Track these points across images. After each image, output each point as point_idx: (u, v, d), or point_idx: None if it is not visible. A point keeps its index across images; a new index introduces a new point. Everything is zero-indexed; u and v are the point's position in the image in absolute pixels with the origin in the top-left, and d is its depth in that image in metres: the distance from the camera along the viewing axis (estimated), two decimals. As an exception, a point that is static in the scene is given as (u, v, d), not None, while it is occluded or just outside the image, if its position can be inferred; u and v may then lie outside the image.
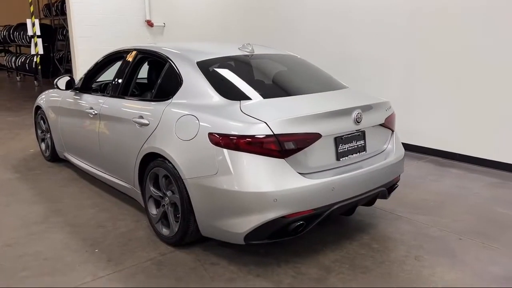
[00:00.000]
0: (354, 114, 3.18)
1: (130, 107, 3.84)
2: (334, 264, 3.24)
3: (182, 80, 3.47)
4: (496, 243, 3.55)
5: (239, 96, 3.25)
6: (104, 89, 4.78)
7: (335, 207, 3.08)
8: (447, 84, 5.74)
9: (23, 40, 14.17)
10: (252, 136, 2.84)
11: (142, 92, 4.46)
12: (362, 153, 3.35)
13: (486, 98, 5.37)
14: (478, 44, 5.35)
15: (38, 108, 5.77)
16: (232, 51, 3.92)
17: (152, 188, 3.56)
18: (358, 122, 3.20)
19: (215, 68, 3.59)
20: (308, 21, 7.33)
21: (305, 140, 2.95)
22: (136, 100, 3.90)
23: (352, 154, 3.27)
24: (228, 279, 3.05)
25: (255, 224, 2.88)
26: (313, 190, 2.95)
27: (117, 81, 4.23)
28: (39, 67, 9.83)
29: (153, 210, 3.59)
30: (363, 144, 3.36)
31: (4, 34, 15.50)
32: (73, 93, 4.85)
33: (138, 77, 4.26)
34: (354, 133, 3.27)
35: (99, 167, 4.45)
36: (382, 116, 3.48)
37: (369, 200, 3.51)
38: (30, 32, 9.24)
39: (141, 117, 3.61)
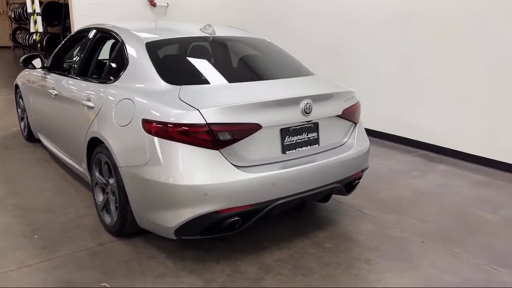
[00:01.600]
0: (302, 104, 2.93)
1: (81, 88, 3.69)
2: (276, 264, 3.03)
3: (128, 61, 3.28)
4: (460, 248, 3.28)
5: (182, 80, 3.04)
6: (69, 69, 4.64)
7: (276, 203, 2.86)
8: (441, 77, 5.40)
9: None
10: (183, 125, 2.64)
11: (101, 73, 4.28)
12: (314, 146, 3.11)
13: (480, 93, 5.03)
14: (473, 39, 4.98)
15: (17, 86, 5.67)
16: (193, 32, 3.69)
17: (97, 174, 3.41)
18: (307, 113, 2.96)
19: (166, 49, 3.38)
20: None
21: (242, 131, 2.73)
22: (87, 82, 3.73)
23: (301, 147, 3.04)
24: (159, 275, 2.89)
25: (185, 219, 2.70)
26: (250, 185, 2.74)
27: (76, 61, 4.07)
28: (38, 45, 9.77)
29: (99, 197, 3.45)
30: (315, 137, 3.12)
31: (20, 11, 15.55)
32: (42, 72, 4.72)
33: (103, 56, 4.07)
34: (304, 124, 3.03)
35: (60, 149, 4.34)
36: (340, 107, 3.22)
37: (322, 196, 3.26)
38: (29, 9, 9.17)
39: (89, 99, 3.45)
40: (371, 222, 3.69)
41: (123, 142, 2.95)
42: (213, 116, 2.66)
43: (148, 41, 3.36)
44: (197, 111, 2.65)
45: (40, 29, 9.40)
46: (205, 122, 2.63)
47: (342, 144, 3.34)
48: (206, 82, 3.11)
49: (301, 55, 7.12)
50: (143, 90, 3.03)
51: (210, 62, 3.56)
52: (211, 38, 3.69)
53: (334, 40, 6.68)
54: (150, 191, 2.79)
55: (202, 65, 3.43)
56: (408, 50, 5.71)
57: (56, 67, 4.59)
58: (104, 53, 4.01)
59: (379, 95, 6.17)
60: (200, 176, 2.63)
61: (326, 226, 3.59)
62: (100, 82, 3.52)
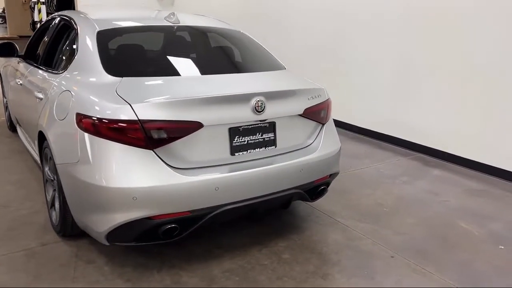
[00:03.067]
0: (253, 102, 2.65)
1: (37, 79, 3.49)
2: (222, 275, 2.78)
3: (77, 51, 3.05)
4: (433, 266, 2.96)
5: (126, 72, 2.79)
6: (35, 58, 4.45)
7: (220, 210, 2.60)
8: (441, 78, 5.02)
9: (50, 8, 14.18)
10: (113, 121, 2.40)
11: (55, 62, 4.07)
12: (270, 148, 2.83)
13: (482, 97, 4.64)
14: (473, 40, 4.58)
15: (1, 75, 5.55)
16: (156, 20, 3.44)
17: (46, 170, 3.20)
18: (259, 112, 2.68)
19: (120, 39, 3.14)
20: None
21: (180, 129, 2.47)
22: (43, 71, 3.53)
23: (254, 149, 2.76)
24: (92, 282, 2.68)
25: (115, 224, 2.47)
26: (189, 189, 2.48)
27: (40, 49, 3.87)
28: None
29: (49, 194, 3.25)
30: (272, 138, 2.83)
31: (40, 2, 15.62)
32: (16, 61, 4.56)
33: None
34: (257, 124, 2.75)
35: (26, 140, 4.18)
36: (301, 106, 2.93)
37: (280, 203, 2.98)
38: (33, -2, 9.10)
39: (39, 90, 3.25)
40: (341, 232, 3.39)
41: (59, 138, 2.74)
42: (146, 112, 2.41)
43: (100, 29, 3.13)
44: (129, 106, 2.40)
45: (44, 18, 9.31)
46: (136, 119, 2.39)
47: (306, 147, 3.05)
48: (151, 74, 2.85)
49: (298, 53, 6.89)
50: (84, 81, 2.81)
51: (164, 53, 3.31)
52: (175, 27, 3.43)
53: (332, 39, 6.36)
54: (81, 192, 2.57)
55: (154, 56, 3.18)
56: (407, 49, 5.35)
57: (28, 55, 4.42)
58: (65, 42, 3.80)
59: (377, 94, 5.82)
60: (130, 178, 2.39)
61: (290, 234, 3.31)
62: (51, 72, 3.31)
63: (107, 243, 2.60)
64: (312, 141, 3.08)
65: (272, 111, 2.77)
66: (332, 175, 3.26)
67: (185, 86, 2.75)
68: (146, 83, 2.72)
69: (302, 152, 2.99)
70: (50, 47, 3.72)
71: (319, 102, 3.05)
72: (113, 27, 3.21)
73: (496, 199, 4.11)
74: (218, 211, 2.60)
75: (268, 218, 3.51)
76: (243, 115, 2.66)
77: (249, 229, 3.34)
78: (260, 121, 2.76)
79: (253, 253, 3.04)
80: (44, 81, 3.30)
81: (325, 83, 6.54)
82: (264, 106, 2.70)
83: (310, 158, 2.96)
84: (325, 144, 3.10)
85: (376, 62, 5.75)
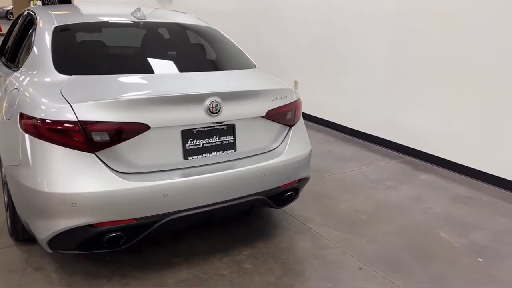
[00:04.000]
0: (207, 103, 2.48)
1: (1, 76, 3.36)
2: (176, 286, 2.61)
3: (33, 47, 2.91)
4: (401, 279, 2.77)
5: (75, 70, 2.65)
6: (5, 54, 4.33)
7: (169, 218, 2.44)
8: (434, 81, 4.81)
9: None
10: (52, 121, 2.25)
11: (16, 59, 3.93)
12: (228, 152, 2.67)
13: (475, 100, 4.42)
14: (471, 44, 4.37)
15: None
16: (121, 16, 3.29)
17: (3, 171, 3.06)
18: (214, 113, 2.51)
19: (77, 35, 2.99)
20: None
21: (123, 132, 2.31)
22: (6, 68, 3.40)
23: (210, 153, 2.60)
24: (36, 291, 2.52)
25: (55, 231, 2.32)
26: (134, 195, 2.33)
27: (9, 45, 3.75)
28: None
29: (6, 196, 3.11)
30: (231, 141, 2.67)
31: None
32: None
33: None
34: (214, 126, 2.58)
35: None
36: (264, 107, 2.75)
37: (239, 210, 2.82)
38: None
39: (0, 88, 3.12)
40: (312, 240, 3.22)
41: (5, 138, 2.61)
42: (87, 112, 2.26)
43: (58, 25, 2.98)
44: (69, 106, 2.25)
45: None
46: (76, 120, 2.23)
47: (270, 150, 2.87)
48: (104, 72, 2.70)
49: (293, 51, 6.70)
50: (32, 79, 2.67)
51: (122, 50, 3.16)
52: (141, 23, 3.28)
53: (326, 38, 6.17)
54: (23, 196, 2.44)
55: (111, 53, 3.03)
56: (399, 50, 5.14)
57: (1, 52, 4.30)
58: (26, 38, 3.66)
59: (368, 95, 5.63)
60: (69, 183, 2.24)
61: (256, 241, 3.14)
62: (10, 69, 3.18)
63: (50, 251, 2.45)
64: (277, 145, 2.90)
65: (230, 113, 2.61)
66: (302, 181, 3.08)
67: (135, 85, 2.60)
68: (94, 82, 2.57)
69: (265, 156, 2.81)
70: (16, 43, 3.59)
71: (285, 104, 2.87)
72: (72, 23, 3.06)
73: (483, 206, 3.89)
74: (167, 219, 2.44)
75: (236, 224, 3.35)
76: (197, 117, 2.50)
77: (214, 235, 3.18)
78: (217, 123, 2.59)
79: (213, 262, 2.88)
80: (4, 78, 3.17)
81: (318, 81, 6.43)
82: (220, 108, 2.53)
83: (274, 163, 2.79)
84: (292, 147, 2.92)
85: (369, 63, 5.56)
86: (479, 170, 4.46)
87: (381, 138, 5.54)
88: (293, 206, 3.63)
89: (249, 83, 2.92)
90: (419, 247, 3.18)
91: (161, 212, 2.42)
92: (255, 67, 3.31)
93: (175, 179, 2.44)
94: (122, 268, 2.77)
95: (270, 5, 7.20)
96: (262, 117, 2.78)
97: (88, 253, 2.82)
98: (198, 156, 2.56)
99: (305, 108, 6.79)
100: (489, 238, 3.34)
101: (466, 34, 4.37)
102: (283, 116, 2.89)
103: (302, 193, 3.66)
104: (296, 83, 6.87)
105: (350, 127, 5.98)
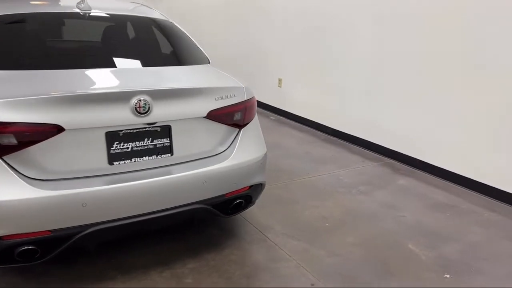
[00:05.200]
0: (133, 101, 2.22)
1: None
2: (103, 303, 2.36)
3: None
4: (356, 298, 2.49)
5: (-5, 65, 2.38)
6: None
7: (91, 230, 2.19)
8: (419, 81, 4.52)
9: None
10: (-46, 123, 1.99)
11: None
12: (164, 156, 2.41)
13: (462, 105, 4.12)
14: (461, 44, 4.08)
15: None
16: (64, 7, 3.04)
17: None
18: (142, 113, 2.26)
19: (8, 26, 2.73)
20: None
21: (32, 134, 2.07)
22: None
23: (141, 157, 2.34)
24: None
25: (-40, 243, 2.06)
26: (47, 205, 2.09)
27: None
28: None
29: None
30: (166, 144, 2.41)
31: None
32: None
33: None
34: (144, 128, 2.33)
35: None
36: (205, 107, 2.50)
37: (177, 221, 2.56)
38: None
39: None
40: (266, 251, 2.96)
41: None
42: None
43: None
44: None
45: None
46: (-22, 120, 1.98)
47: (216, 154, 2.61)
48: (23, 67, 2.44)
49: (279, 46, 6.41)
50: None
51: (55, 43, 2.91)
52: (85, 15, 3.02)
53: (310, 34, 5.88)
54: None
55: (40, 47, 2.77)
56: (384, 49, 4.84)
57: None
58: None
59: (351, 95, 5.36)
60: (-30, 191, 1.98)
61: (205, 253, 2.89)
62: None
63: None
64: (224, 148, 2.65)
65: (164, 113, 2.35)
66: (255, 187, 2.82)
67: (53, 82, 2.34)
68: (7, 78, 2.31)
69: (208, 161, 2.56)
70: None
71: (231, 103, 2.61)
72: (5, 14, 2.81)
73: (461, 215, 3.61)
74: (88, 231, 2.19)
75: (187, 232, 3.10)
76: (122, 118, 2.24)
77: (160, 245, 2.93)
78: (149, 124, 2.33)
79: (152, 276, 2.64)
80: None
81: (301, 80, 6.14)
82: (149, 107, 2.27)
83: (217, 168, 2.53)
84: (241, 151, 2.66)
85: (352, 61, 5.28)
86: (461, 175, 4.18)
87: (363, 139, 5.27)
88: (254, 212, 3.39)
89: (190, 81, 2.67)
90: (382, 260, 2.91)
91: (80, 224, 2.18)
92: (208, 63, 3.04)
93: (97, 187, 2.18)
94: (51, 282, 2.55)
95: (256, 1, 6.92)
96: (204, 118, 2.51)
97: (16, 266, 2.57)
98: (126, 161, 2.31)
99: (289, 107, 6.56)
100: (461, 251, 3.06)
101: (454, 35, 4.07)
102: (230, 117, 2.63)
103: (266, 198, 3.45)
104: (280, 80, 6.61)
105: (333, 127, 5.71)
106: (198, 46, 3.20)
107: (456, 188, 4.16)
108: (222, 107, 2.57)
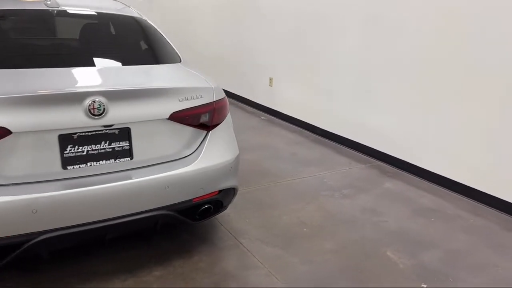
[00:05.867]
0: (87, 103, 2.11)
1: None
2: (58, 313, 2.26)
3: None
4: (325, 310, 2.37)
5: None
6: None
7: (42, 238, 2.08)
8: (408, 83, 4.40)
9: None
10: None
11: None
12: (123, 160, 2.30)
13: (452, 105, 3.99)
14: (449, 46, 3.94)
15: None
16: (33, 4, 2.93)
17: None
18: (97, 115, 2.14)
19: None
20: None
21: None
22: None
23: (97, 161, 2.23)
24: None
25: None
26: (-7, 211, 1.96)
27: None
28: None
29: None
30: (126, 148, 2.30)
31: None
32: None
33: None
34: (101, 130, 2.22)
35: None
36: (167, 109, 2.38)
37: (142, 226, 2.45)
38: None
39: None
40: (238, 258, 2.85)
41: None
42: None
43: None
44: None
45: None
46: None
47: (181, 158, 2.49)
48: None
49: (268, 48, 6.28)
50: None
51: (15, 41, 2.79)
52: (53, 12, 2.91)
53: (299, 35, 5.76)
54: None
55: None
56: (374, 51, 4.71)
57: None
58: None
59: (340, 94, 5.23)
60: None
61: (174, 259, 2.79)
62: None
63: None
64: (191, 152, 2.53)
65: (122, 115, 2.24)
66: (225, 191, 2.70)
67: (3, 83, 2.22)
68: None
69: (171, 165, 2.45)
70: None
71: (197, 105, 2.50)
72: None
73: (446, 221, 3.48)
74: (38, 239, 2.09)
75: (157, 238, 3.00)
76: (76, 120, 2.13)
77: (128, 251, 2.83)
78: (106, 126, 2.22)
79: (114, 284, 2.54)
80: None
81: (292, 79, 6.01)
82: (105, 109, 2.16)
83: (181, 173, 2.42)
84: (209, 154, 2.55)
85: (341, 61, 5.16)
86: (449, 179, 4.05)
87: (352, 140, 5.14)
88: (230, 216, 3.29)
89: (153, 80, 2.55)
90: (358, 268, 2.79)
91: (29, 231, 2.07)
92: (179, 62, 2.93)
93: (48, 192, 2.07)
94: (5, 289, 2.42)
95: (248, 1, 6.81)
96: (167, 119, 2.39)
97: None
98: (81, 165, 2.20)
99: (280, 107, 6.43)
100: (442, 259, 2.94)
101: (443, 36, 3.94)
102: (196, 118, 2.51)
103: (245, 202, 3.35)
104: (271, 80, 6.49)
105: (322, 127, 5.59)
106: (171, 44, 3.09)
107: (444, 191, 4.03)
108: (187, 109, 2.46)
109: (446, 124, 4.01)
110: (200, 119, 2.54)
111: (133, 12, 3.30)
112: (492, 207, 3.71)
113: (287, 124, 6.07)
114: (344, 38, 5.02)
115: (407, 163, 4.48)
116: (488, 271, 2.83)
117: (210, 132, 2.62)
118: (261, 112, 6.63)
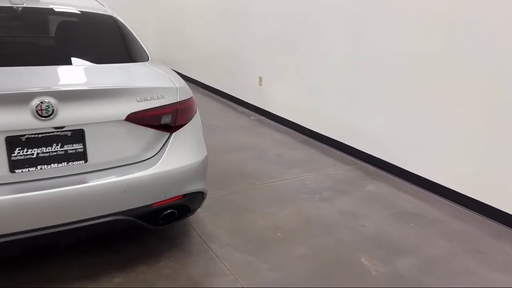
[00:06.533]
0: (34, 103, 2.02)
1: None
2: (8, 322, 2.17)
3: None
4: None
5: None
6: None
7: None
8: (395, 84, 4.28)
9: None
10: None
11: None
12: (76, 163, 2.21)
13: (438, 108, 3.88)
14: (437, 46, 3.83)
15: None
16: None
17: None
18: (45, 117, 2.05)
19: None
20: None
21: None
22: None
23: (48, 165, 2.15)
24: None
25: None
26: None
27: None
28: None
29: None
30: (79, 150, 2.21)
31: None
32: None
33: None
34: (52, 132, 2.13)
35: None
36: (123, 110, 2.29)
37: (98, 232, 2.36)
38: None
39: None
40: (205, 265, 2.76)
41: None
42: None
43: None
44: None
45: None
46: None
47: (141, 161, 2.40)
48: None
49: (257, 46, 6.17)
50: None
51: None
52: (18, 9, 2.82)
53: (288, 33, 5.66)
54: None
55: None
56: (362, 52, 4.59)
57: None
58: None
59: (329, 95, 5.13)
60: None
61: (138, 265, 2.70)
62: None
63: None
64: (152, 154, 2.44)
65: (73, 116, 2.15)
66: (190, 196, 2.61)
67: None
68: None
69: (130, 168, 2.35)
70: None
71: (158, 105, 2.40)
72: None
73: (426, 225, 3.38)
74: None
75: (124, 242, 2.90)
76: (23, 121, 2.05)
77: (92, 256, 2.76)
78: (57, 128, 2.13)
79: (72, 291, 2.43)
80: None
81: (280, 79, 5.90)
82: (54, 110, 2.07)
83: (141, 176, 2.33)
84: (171, 157, 2.45)
85: (329, 61, 5.05)
86: (433, 182, 3.95)
87: (339, 141, 5.04)
88: (203, 220, 3.20)
89: (109, 80, 2.45)
90: (328, 276, 2.69)
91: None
92: (147, 60, 2.83)
93: (-10, 198, 1.98)
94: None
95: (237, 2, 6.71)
96: (124, 121, 2.30)
97: None
98: (31, 169, 2.11)
99: (269, 107, 6.32)
100: (417, 266, 2.83)
101: (431, 37, 3.83)
102: (156, 120, 2.42)
103: (220, 205, 3.37)
104: (260, 79, 6.39)
105: (310, 128, 5.48)
106: (140, 42, 2.99)
107: (428, 195, 3.92)
108: (146, 109, 2.36)
109: (432, 126, 3.90)
110: (161, 120, 2.44)
111: (102, 9, 3.21)
112: (477, 212, 3.60)
113: (276, 124, 5.97)
114: (332, 39, 4.92)
115: (392, 165, 4.38)
116: (464, 280, 2.72)
117: (174, 134, 2.52)
118: (251, 112, 6.53)
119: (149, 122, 2.40)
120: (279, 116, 6.05)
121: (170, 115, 2.48)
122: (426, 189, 4.00)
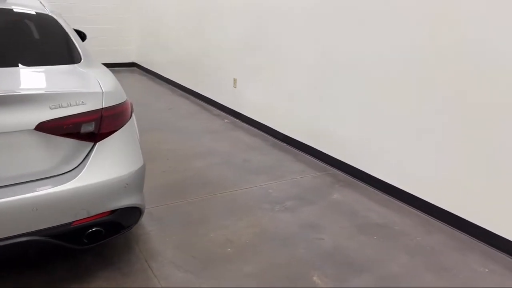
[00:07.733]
0: None
1: None
2: None
3: None
4: None
5: None
6: None
7: None
8: (364, 89, 4.07)
9: None
10: None
11: None
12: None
13: (411, 113, 3.64)
14: (415, 51, 3.60)
15: None
16: None
17: None
18: None
19: None
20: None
21: None
22: None
23: None
24: None
25: None
26: None
27: None
28: None
29: None
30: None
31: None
32: None
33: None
34: None
35: None
36: (33, 118, 2.05)
37: (8, 255, 2.12)
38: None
39: None
40: (140, 286, 2.49)
41: None
42: None
43: None
44: None
45: None
46: None
47: (59, 175, 2.14)
48: None
49: (231, 47, 5.94)
50: None
51: None
52: None
53: (259, 34, 5.43)
54: None
55: None
56: (332, 55, 4.36)
57: None
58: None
59: (301, 98, 4.89)
60: None
61: (66, 287, 2.43)
62: None
63: None
64: (72, 167, 2.20)
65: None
66: (121, 212, 2.36)
67: None
68: None
69: (43, 183, 2.11)
70: None
71: (76, 112, 2.16)
72: None
73: (389, 238, 3.14)
74: None
75: (55, 260, 2.67)
76: None
77: (17, 276, 2.49)
78: None
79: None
80: None
81: (254, 80, 5.66)
82: None
83: (54, 192, 2.09)
84: (93, 170, 2.21)
85: (301, 63, 4.81)
86: (403, 190, 3.73)
87: (311, 146, 4.80)
88: (149, 234, 2.98)
89: (18, 85, 2.22)
90: (274, 298, 2.44)
91: None
92: (79, 62, 2.58)
93: None
94: None
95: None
96: (34, 130, 2.05)
97: None
98: None
99: (244, 110, 6.08)
100: (373, 285, 2.58)
101: (399, 39, 3.60)
102: (75, 128, 2.17)
103: (172, 217, 3.20)
104: (235, 80, 6.15)
105: (283, 132, 5.25)
106: (74, 42, 2.75)
107: (397, 204, 3.69)
108: (61, 118, 2.12)
109: (401, 133, 3.66)
110: (81, 129, 2.20)
111: (40, 8, 2.96)
112: (445, 223, 3.37)
113: (250, 127, 5.73)
114: (305, 43, 4.68)
115: (362, 171, 4.15)
116: (422, 301, 2.48)
117: (98, 143, 2.28)
118: (226, 115, 6.29)
119: (66, 132, 2.15)
120: (253, 119, 5.81)
121: (93, 122, 2.24)
122: (395, 197, 3.77)
